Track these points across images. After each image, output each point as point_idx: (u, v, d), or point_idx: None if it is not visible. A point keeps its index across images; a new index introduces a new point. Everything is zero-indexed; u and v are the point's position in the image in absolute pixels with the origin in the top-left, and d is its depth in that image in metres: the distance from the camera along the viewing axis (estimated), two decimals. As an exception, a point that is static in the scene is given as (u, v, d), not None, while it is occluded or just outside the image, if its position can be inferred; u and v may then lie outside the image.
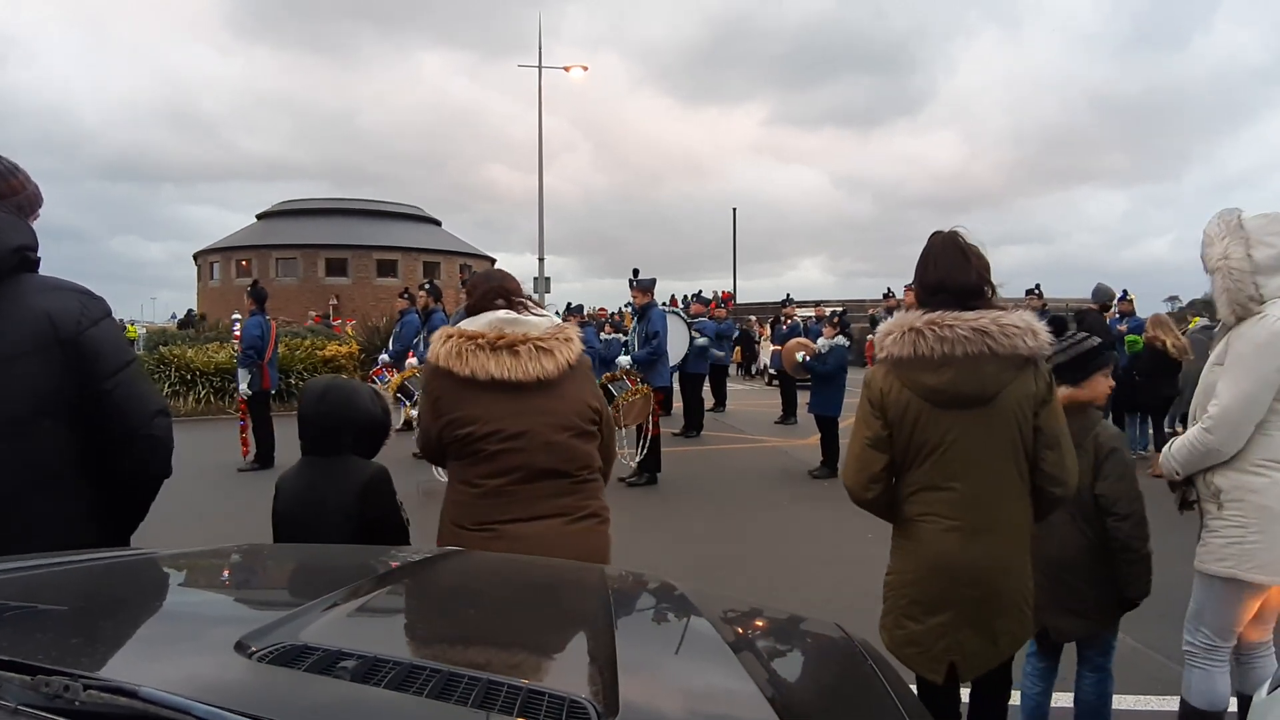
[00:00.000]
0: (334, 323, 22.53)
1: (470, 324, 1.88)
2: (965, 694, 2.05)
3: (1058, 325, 2.15)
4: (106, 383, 1.54)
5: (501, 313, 1.88)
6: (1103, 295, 8.91)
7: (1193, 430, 2.18)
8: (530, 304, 1.98)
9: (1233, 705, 2.25)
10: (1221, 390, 2.12)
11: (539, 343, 1.83)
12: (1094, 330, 2.39)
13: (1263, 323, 2.09)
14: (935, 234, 1.97)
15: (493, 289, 1.98)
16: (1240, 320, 2.14)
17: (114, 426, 1.56)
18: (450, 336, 1.86)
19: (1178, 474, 2.22)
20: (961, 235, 1.94)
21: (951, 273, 1.88)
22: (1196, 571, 2.21)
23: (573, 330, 1.95)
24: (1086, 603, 2.21)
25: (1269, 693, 1.79)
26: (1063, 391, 2.10)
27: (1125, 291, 9.14)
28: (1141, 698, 2.64)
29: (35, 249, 1.58)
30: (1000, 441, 1.84)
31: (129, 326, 31.62)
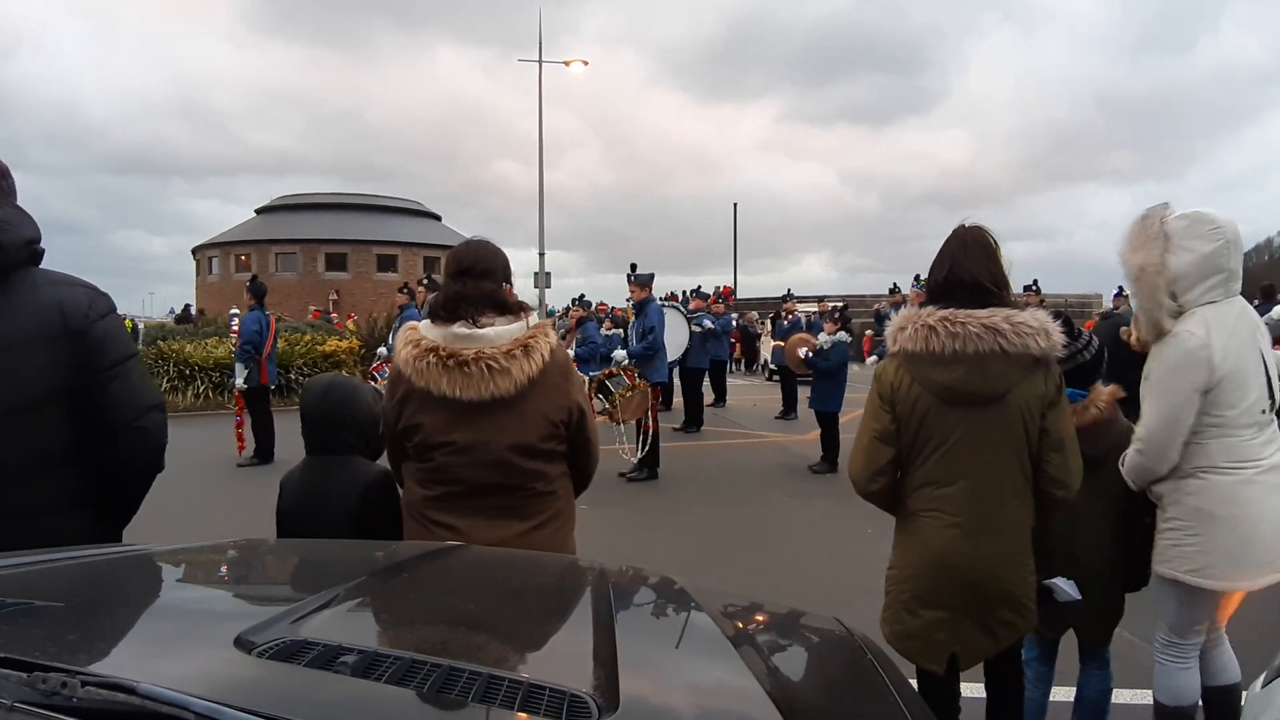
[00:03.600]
0: (332, 315, 22.45)
1: (429, 331, 1.81)
2: (966, 688, 2.05)
3: (1066, 326, 2.11)
4: (105, 374, 1.58)
5: (457, 326, 1.78)
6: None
7: (1129, 450, 2.13)
8: (484, 316, 1.79)
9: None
10: (1145, 413, 2.06)
11: (491, 362, 1.73)
12: (1108, 330, 2.39)
13: (1175, 341, 2.02)
14: (959, 228, 1.95)
15: (451, 298, 1.82)
16: (1157, 337, 2.06)
17: (106, 417, 1.60)
18: (409, 343, 1.79)
19: (1134, 484, 2.17)
20: (986, 231, 1.92)
21: (970, 269, 1.87)
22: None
23: (540, 339, 1.80)
24: (1118, 602, 2.26)
25: (1264, 685, 1.78)
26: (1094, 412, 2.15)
27: (1120, 289, 9.26)
28: (1138, 691, 2.65)
29: (39, 240, 1.62)
30: (1006, 441, 1.83)
31: (125, 321, 31.61)
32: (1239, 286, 2.02)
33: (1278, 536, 1.99)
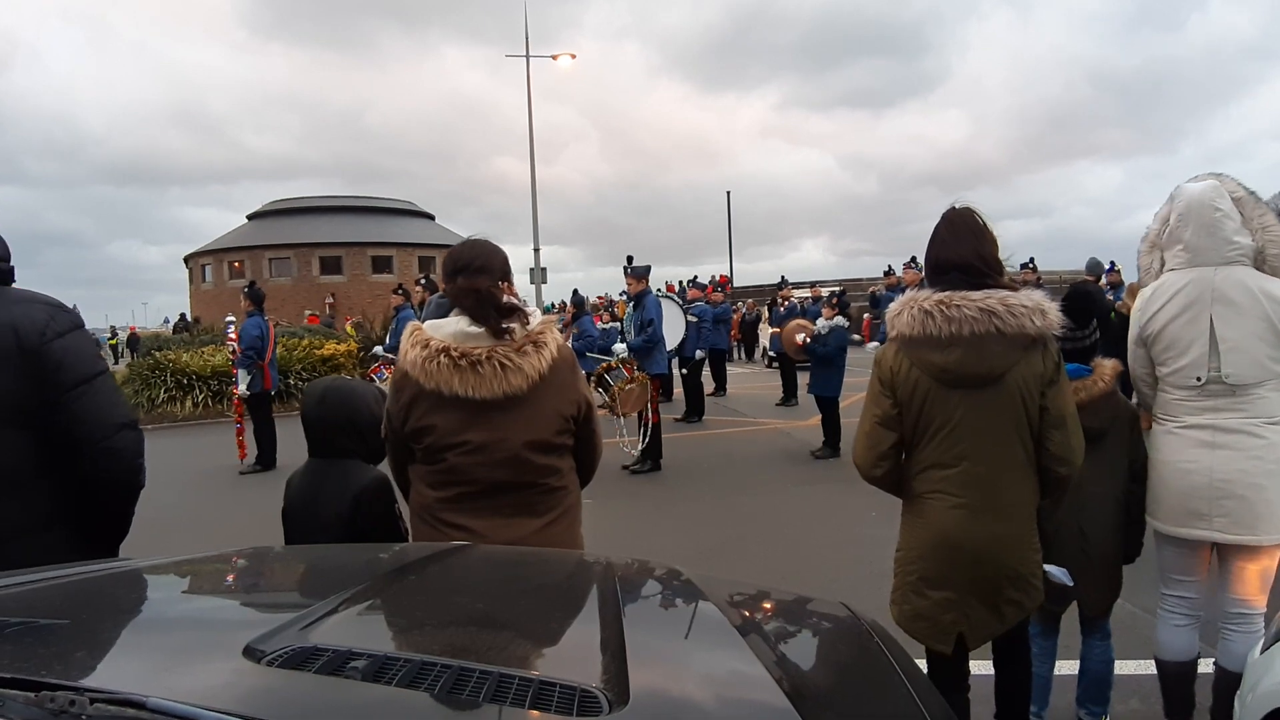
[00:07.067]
0: (330, 319, 22.38)
1: (436, 331, 1.79)
2: (974, 666, 2.06)
3: (1085, 308, 2.16)
4: (68, 394, 1.56)
5: (466, 323, 1.77)
6: (1095, 268, 9.28)
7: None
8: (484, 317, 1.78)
9: (1208, 665, 2.26)
10: None
11: (504, 360, 1.73)
12: (1095, 301, 2.40)
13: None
14: (948, 211, 1.95)
15: (457, 293, 1.82)
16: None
17: (75, 437, 1.57)
18: (416, 345, 1.77)
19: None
20: (974, 212, 1.93)
21: (962, 251, 1.87)
22: None
23: (548, 334, 1.81)
24: (1118, 574, 2.28)
25: (1262, 651, 1.80)
26: (1099, 385, 2.22)
27: (1113, 263, 9.35)
28: (1141, 662, 2.67)
29: (7, 259, 1.61)
30: (1006, 421, 1.83)
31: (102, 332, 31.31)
32: (1205, 258, 2.09)
33: (1184, 490, 2.14)
